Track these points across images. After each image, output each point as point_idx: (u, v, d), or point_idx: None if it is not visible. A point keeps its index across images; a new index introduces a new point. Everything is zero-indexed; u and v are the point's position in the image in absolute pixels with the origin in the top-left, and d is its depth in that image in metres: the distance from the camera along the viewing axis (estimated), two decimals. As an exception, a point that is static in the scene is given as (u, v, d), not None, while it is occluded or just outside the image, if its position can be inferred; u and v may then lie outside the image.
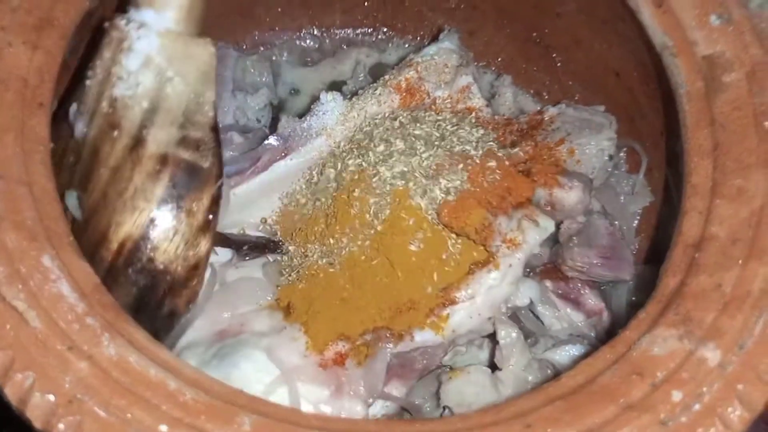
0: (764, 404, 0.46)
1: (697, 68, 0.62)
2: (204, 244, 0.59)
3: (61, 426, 0.44)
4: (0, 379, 0.45)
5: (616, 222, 0.77)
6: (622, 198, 0.80)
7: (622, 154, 0.82)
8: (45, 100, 0.58)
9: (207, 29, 0.84)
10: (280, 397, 0.62)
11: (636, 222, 0.80)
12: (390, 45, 0.92)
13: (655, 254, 0.75)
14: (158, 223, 0.57)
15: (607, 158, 0.76)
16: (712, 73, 0.61)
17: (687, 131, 0.60)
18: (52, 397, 0.44)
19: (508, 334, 0.65)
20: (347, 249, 0.65)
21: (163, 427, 0.44)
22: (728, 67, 0.60)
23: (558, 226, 0.72)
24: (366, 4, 0.90)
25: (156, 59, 0.58)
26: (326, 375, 0.63)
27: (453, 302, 0.64)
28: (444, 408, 0.66)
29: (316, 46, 0.91)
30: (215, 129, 0.61)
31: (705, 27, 0.62)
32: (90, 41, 0.80)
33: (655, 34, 0.65)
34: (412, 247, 0.64)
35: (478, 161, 0.66)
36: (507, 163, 0.67)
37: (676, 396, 0.46)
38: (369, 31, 0.92)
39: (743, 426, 0.45)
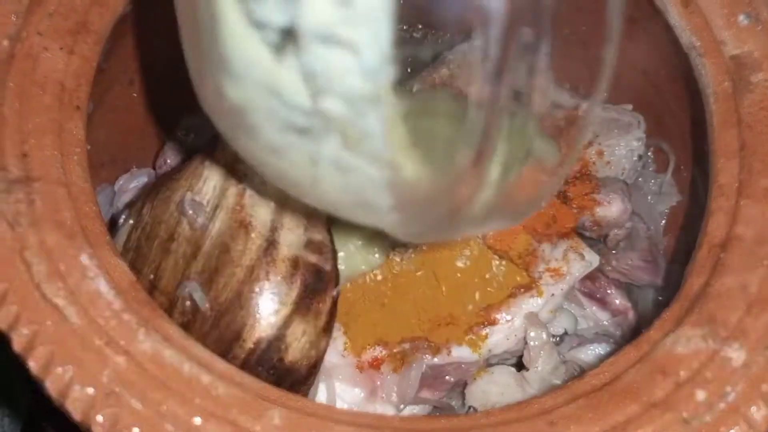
0: (789, 404, 0.46)
1: (724, 68, 0.61)
2: (324, 344, 0.60)
3: (99, 418, 0.45)
4: (41, 373, 0.47)
5: (647, 223, 0.77)
6: (649, 198, 0.80)
7: (649, 154, 0.82)
8: (81, 103, 0.59)
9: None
10: (318, 393, 0.63)
11: (663, 222, 0.80)
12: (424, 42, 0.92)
13: (681, 254, 0.75)
14: (291, 326, 0.58)
15: (636, 158, 0.76)
16: (739, 73, 0.61)
17: (714, 131, 0.60)
18: (90, 390, 0.46)
19: (538, 336, 0.65)
20: (391, 256, 0.66)
21: (197, 420, 0.46)
22: (756, 67, 0.60)
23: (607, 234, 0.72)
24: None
25: None
26: (362, 377, 0.64)
27: (492, 323, 0.65)
28: (469, 408, 0.67)
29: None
30: (330, 231, 0.62)
31: (733, 27, 0.62)
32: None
33: (683, 33, 0.65)
34: (459, 264, 0.65)
35: None
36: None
37: (700, 395, 0.46)
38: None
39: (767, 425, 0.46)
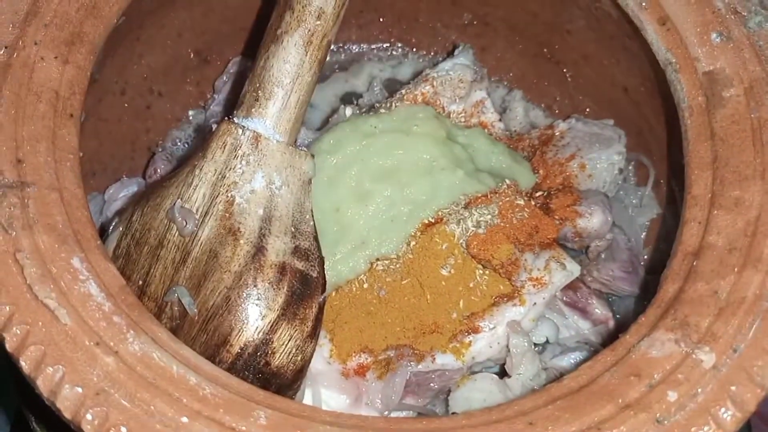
0: (756, 405, 0.48)
1: (698, 84, 0.64)
2: (310, 350, 0.61)
3: (88, 416, 0.46)
4: (33, 372, 0.48)
5: (628, 235, 0.79)
6: (630, 210, 0.82)
7: (630, 167, 0.83)
8: (75, 111, 0.61)
9: (223, 43, 0.88)
10: (304, 399, 0.64)
11: (644, 234, 0.82)
12: (404, 60, 0.94)
13: (660, 264, 0.77)
14: (278, 331, 0.59)
15: (617, 172, 0.78)
16: (712, 89, 0.63)
17: (688, 144, 0.62)
18: (80, 390, 0.47)
19: (520, 343, 0.67)
20: (376, 265, 0.68)
21: (184, 419, 0.47)
22: (728, 83, 0.62)
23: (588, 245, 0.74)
24: (381, 20, 0.93)
25: (267, 168, 0.61)
26: (347, 384, 0.66)
27: (476, 330, 0.66)
28: (452, 414, 0.68)
29: (332, 59, 0.94)
30: (317, 239, 0.63)
31: (706, 44, 0.65)
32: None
33: (659, 50, 0.68)
34: (443, 272, 0.67)
35: (507, 199, 0.68)
36: (532, 202, 0.70)
37: (672, 396, 0.48)
38: (384, 46, 0.95)
39: (735, 426, 0.47)
